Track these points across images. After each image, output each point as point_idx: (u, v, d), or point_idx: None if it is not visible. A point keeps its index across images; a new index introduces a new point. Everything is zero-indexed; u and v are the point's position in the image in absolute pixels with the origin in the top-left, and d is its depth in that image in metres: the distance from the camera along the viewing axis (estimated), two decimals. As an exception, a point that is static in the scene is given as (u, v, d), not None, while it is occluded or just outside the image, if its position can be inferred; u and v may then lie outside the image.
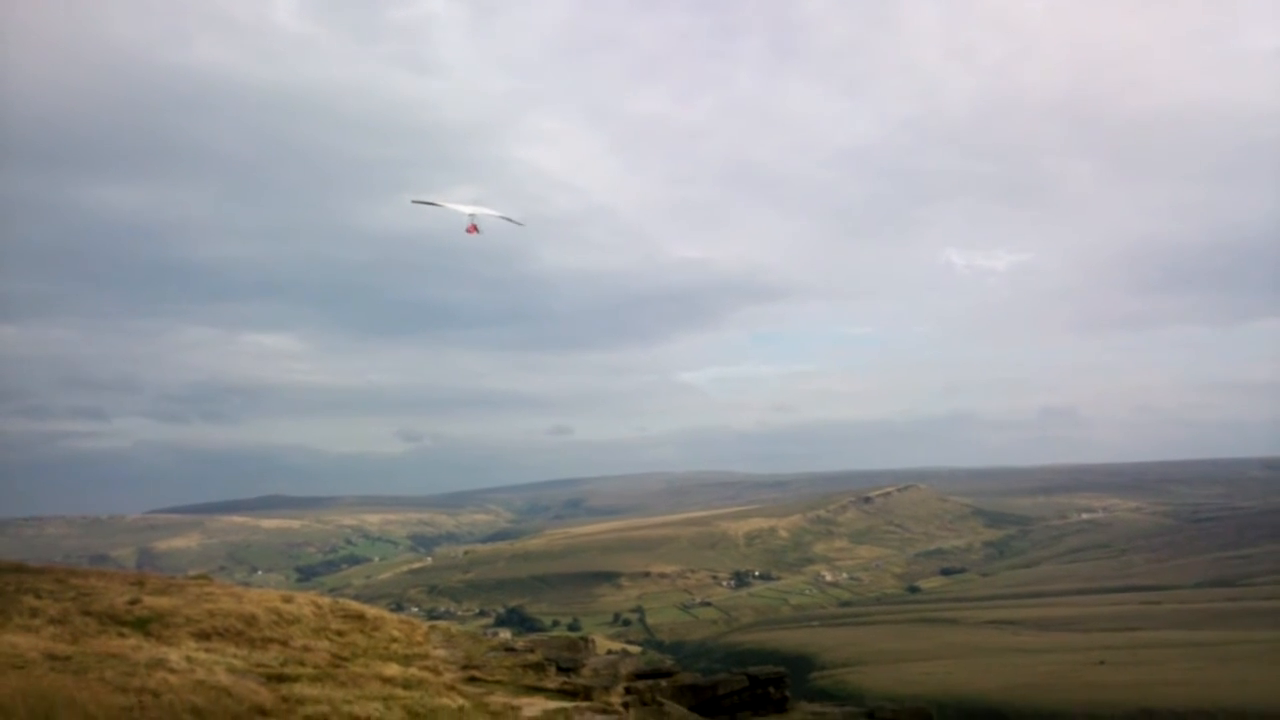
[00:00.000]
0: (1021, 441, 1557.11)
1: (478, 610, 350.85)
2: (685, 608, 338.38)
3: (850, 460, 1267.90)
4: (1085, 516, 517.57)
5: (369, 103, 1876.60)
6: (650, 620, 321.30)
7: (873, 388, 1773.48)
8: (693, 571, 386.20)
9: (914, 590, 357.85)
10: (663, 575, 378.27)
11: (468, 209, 68.93)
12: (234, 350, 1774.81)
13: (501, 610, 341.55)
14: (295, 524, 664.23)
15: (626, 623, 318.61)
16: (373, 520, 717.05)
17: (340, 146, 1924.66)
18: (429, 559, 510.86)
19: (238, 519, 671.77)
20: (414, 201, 68.61)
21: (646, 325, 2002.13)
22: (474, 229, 69.94)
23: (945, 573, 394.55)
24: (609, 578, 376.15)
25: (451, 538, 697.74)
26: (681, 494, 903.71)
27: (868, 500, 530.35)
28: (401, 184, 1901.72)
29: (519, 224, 75.65)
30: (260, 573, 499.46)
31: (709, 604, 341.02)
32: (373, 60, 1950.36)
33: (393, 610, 71.60)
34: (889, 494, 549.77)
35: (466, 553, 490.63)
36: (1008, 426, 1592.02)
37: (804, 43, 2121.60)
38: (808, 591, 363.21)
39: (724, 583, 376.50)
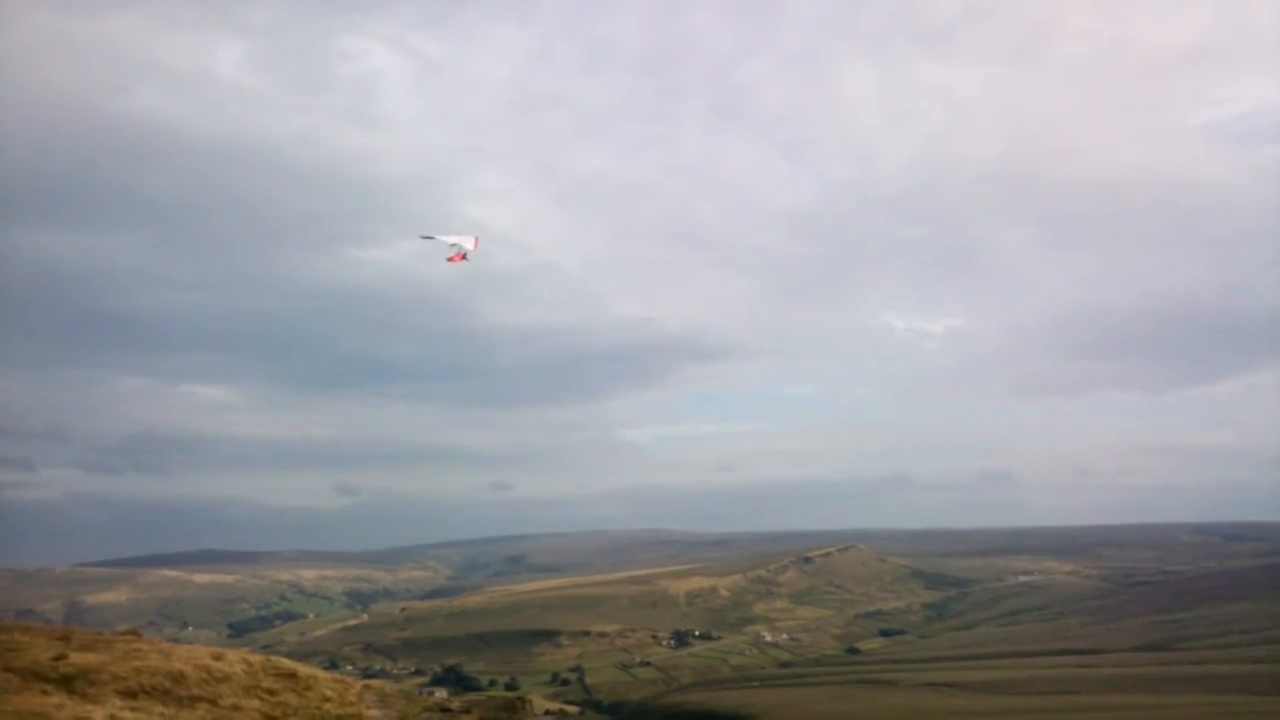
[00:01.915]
0: (959, 504, 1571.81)
1: (414, 669, 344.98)
2: (625, 667, 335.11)
3: (791, 520, 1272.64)
4: (1022, 579, 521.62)
5: (313, 155, 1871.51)
6: (589, 680, 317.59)
7: (814, 448, 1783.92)
8: (633, 630, 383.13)
9: (853, 651, 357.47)
10: (603, 634, 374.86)
11: (452, 239, 70.98)
12: (170, 401, 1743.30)
13: (438, 669, 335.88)
14: (229, 579, 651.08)
15: (565, 682, 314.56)
16: (309, 576, 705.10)
17: (283, 198, 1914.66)
18: (365, 616, 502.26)
19: (170, 573, 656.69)
20: (422, 237, 71.38)
21: (590, 382, 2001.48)
22: (461, 258, 71.14)
23: (885, 634, 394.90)
24: (548, 636, 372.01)
25: (389, 594, 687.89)
26: (623, 552, 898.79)
27: (808, 560, 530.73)
28: (344, 237, 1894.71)
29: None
30: (191, 628, 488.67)
31: (649, 663, 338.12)
32: (317, 113, 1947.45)
33: (326, 668, 70.49)
34: (829, 554, 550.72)
35: (404, 610, 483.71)
36: (946, 488, 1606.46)
37: (745, 106, 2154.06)
38: (748, 652, 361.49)
39: (664, 642, 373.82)
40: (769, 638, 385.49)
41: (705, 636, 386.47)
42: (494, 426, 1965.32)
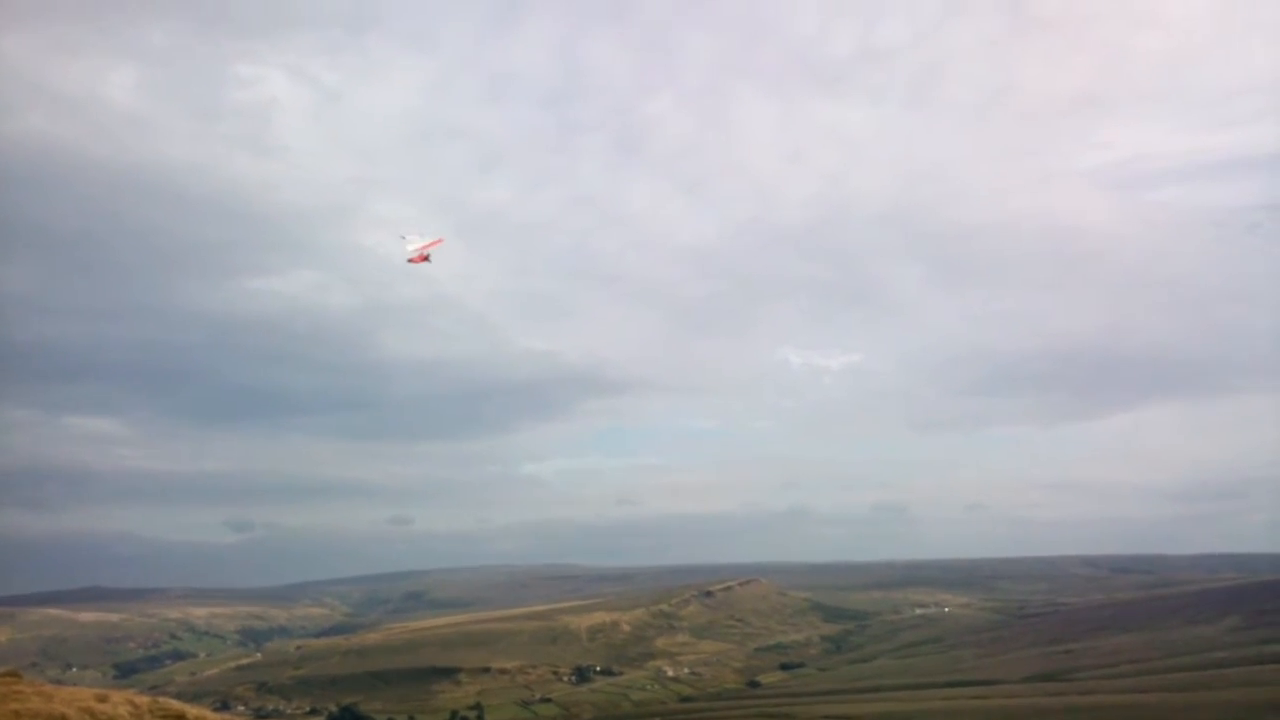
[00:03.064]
0: (857, 537, 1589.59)
1: (309, 709, 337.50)
2: (525, 704, 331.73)
3: (693, 554, 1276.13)
4: (919, 612, 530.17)
5: (207, 183, 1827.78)
6: (489, 718, 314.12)
7: (715, 482, 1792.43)
8: (534, 667, 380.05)
9: (754, 685, 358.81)
10: (503, 671, 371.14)
11: (416, 240, 72.10)
12: (55, 433, 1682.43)
13: (334, 708, 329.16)
14: (115, 617, 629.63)
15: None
16: (199, 613, 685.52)
17: (176, 226, 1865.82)
18: (258, 655, 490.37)
19: (53, 611, 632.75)
20: (403, 237, 72.37)
21: (491, 416, 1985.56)
22: (423, 258, 71.50)
23: (784, 667, 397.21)
24: (448, 674, 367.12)
25: (284, 632, 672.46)
26: (524, 587, 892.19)
27: (709, 594, 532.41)
28: (240, 267, 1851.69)
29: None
30: (75, 669, 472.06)
31: (549, 700, 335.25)
32: (212, 140, 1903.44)
33: (217, 709, 68.92)
34: (730, 588, 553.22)
35: (299, 648, 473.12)
36: (844, 522, 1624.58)
37: (646, 142, 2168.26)
38: (649, 687, 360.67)
39: (565, 678, 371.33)
40: (670, 672, 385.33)
41: (607, 672, 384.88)
42: (394, 460, 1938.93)
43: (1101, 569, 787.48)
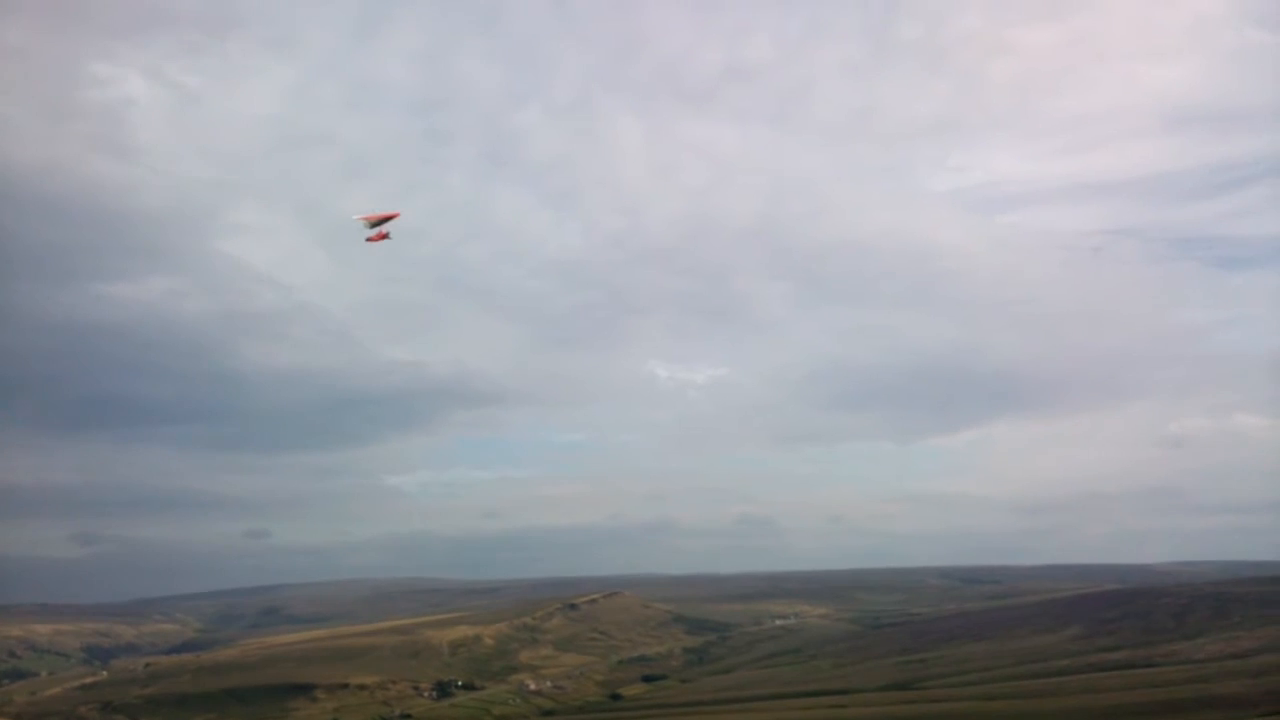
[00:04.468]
0: (721, 549, 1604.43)
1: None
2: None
3: (559, 567, 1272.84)
4: (779, 623, 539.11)
5: (58, 185, 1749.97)
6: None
7: (581, 494, 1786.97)
8: (394, 682, 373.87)
9: (616, 698, 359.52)
10: (361, 687, 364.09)
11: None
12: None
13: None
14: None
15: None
16: (42, 630, 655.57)
17: (23, 228, 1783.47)
18: (104, 673, 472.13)
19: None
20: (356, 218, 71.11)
21: (355, 427, 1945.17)
22: (382, 236, 70.49)
23: (647, 679, 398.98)
24: (304, 690, 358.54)
25: (132, 649, 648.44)
26: (386, 601, 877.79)
27: (574, 607, 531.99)
28: (89, 271, 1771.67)
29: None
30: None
31: (408, 716, 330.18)
32: (66, 140, 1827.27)
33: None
34: (594, 601, 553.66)
35: (148, 665, 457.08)
36: (708, 534, 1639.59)
37: (515, 153, 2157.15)
38: (511, 701, 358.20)
39: (426, 694, 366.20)
40: (533, 686, 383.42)
41: (469, 686, 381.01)
42: (251, 471, 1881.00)
43: (954, 580, 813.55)
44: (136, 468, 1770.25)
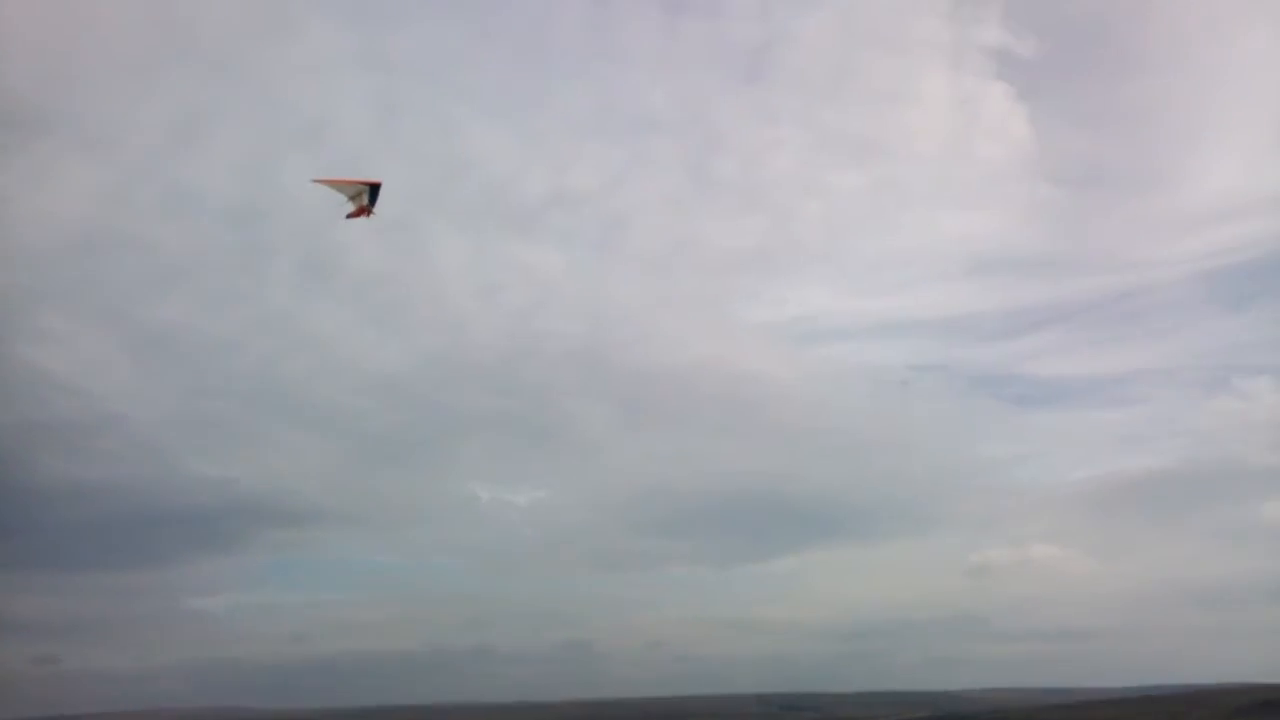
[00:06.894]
0: (541, 675, 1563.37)
1: None
2: None
3: (373, 694, 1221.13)
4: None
5: None
6: None
7: (397, 618, 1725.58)
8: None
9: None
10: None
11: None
12: None
13: None
14: None
15: None
16: None
17: None
18: None
19: None
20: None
21: (158, 546, 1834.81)
22: (362, 211, 65.65)
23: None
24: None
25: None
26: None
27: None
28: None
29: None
30: None
31: None
32: None
33: None
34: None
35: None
36: (528, 660, 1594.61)
37: (336, 267, 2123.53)
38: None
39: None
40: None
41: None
42: (41, 592, 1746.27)
43: (772, 706, 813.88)
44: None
